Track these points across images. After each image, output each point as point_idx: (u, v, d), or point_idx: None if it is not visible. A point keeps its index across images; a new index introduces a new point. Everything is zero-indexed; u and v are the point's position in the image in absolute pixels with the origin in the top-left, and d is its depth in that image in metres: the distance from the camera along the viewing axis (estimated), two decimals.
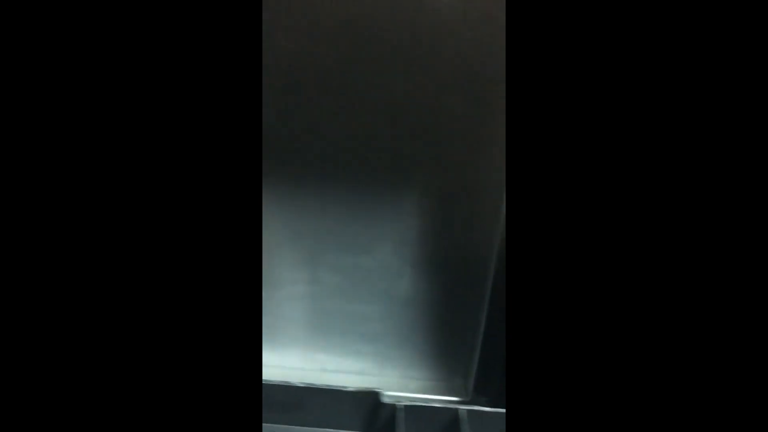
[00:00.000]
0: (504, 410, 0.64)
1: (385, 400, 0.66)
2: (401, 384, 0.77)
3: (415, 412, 0.65)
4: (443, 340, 0.77)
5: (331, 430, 0.65)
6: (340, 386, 0.68)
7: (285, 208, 0.72)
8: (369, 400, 0.66)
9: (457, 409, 0.65)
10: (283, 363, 0.78)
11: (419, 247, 0.72)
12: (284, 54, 0.64)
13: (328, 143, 0.68)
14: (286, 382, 0.67)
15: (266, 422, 0.63)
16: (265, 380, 0.66)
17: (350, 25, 0.63)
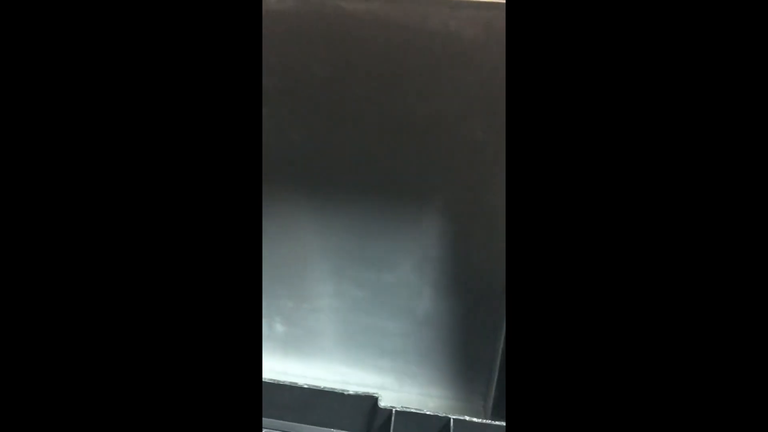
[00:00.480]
0: (490, 422, 0.66)
1: (383, 404, 0.69)
2: (420, 401, 0.79)
3: (409, 417, 0.68)
4: (463, 360, 0.77)
5: (333, 430, 0.67)
6: (341, 389, 0.71)
7: (313, 223, 0.75)
8: (368, 403, 0.69)
9: (448, 418, 0.67)
10: (306, 373, 0.81)
11: (439, 266, 0.74)
12: (317, 79, 0.69)
13: (354, 163, 0.72)
14: (292, 382, 0.70)
15: (273, 418, 0.66)
16: (274, 380, 0.69)
17: (378, 54, 0.67)
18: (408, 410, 0.67)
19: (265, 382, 0.69)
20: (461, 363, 0.77)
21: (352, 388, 0.74)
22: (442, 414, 0.67)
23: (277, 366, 0.81)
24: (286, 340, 0.80)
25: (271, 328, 0.80)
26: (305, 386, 0.71)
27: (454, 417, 0.66)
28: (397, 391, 0.79)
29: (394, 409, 0.67)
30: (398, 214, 0.73)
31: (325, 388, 0.71)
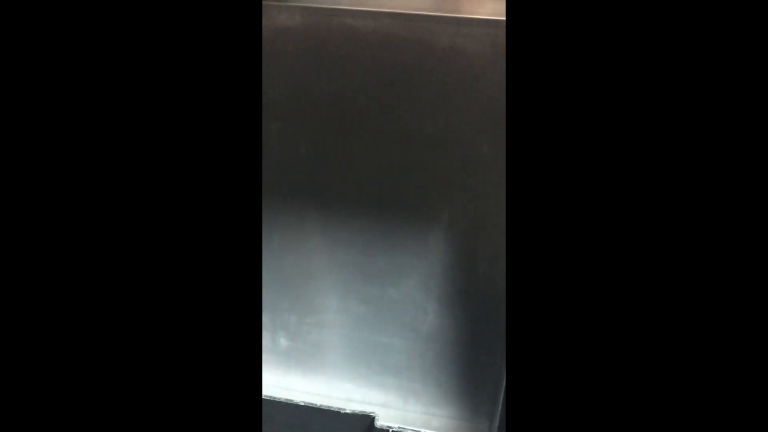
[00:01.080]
0: None
1: (379, 423, 0.68)
2: (424, 421, 0.77)
3: None
4: (467, 378, 0.76)
5: None
6: (338, 408, 0.69)
7: (318, 238, 0.75)
8: (365, 422, 0.67)
9: None
10: (309, 389, 0.80)
11: (445, 282, 0.73)
12: (325, 95, 0.70)
13: (360, 179, 0.72)
14: (289, 400, 0.70)
15: None
16: (270, 397, 0.68)
17: (385, 70, 0.68)
18: (405, 430, 0.66)
19: (263, 400, 0.69)
20: (466, 381, 0.76)
21: (350, 407, 0.73)
22: None
23: (280, 381, 0.80)
24: (289, 354, 0.79)
25: (275, 342, 0.80)
26: (302, 404, 0.70)
27: None
28: (401, 409, 0.78)
29: (390, 429, 0.66)
30: (404, 230, 0.73)
31: (321, 406, 0.70)
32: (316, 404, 0.70)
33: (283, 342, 0.80)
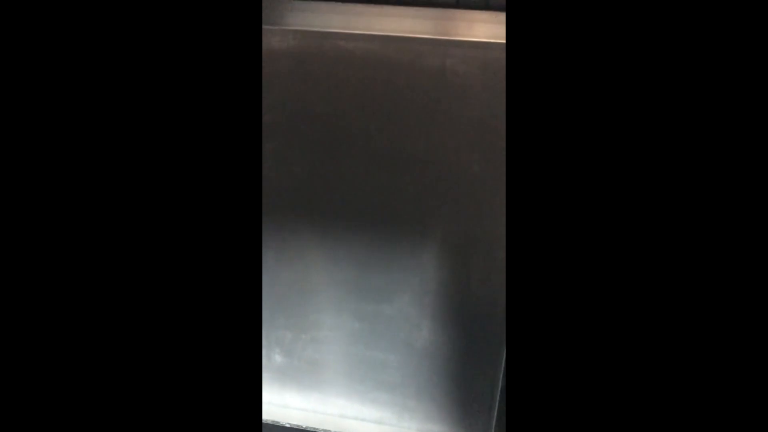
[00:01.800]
0: None
1: None
2: None
3: None
4: (462, 394, 0.76)
5: None
6: (326, 430, 0.70)
7: (312, 255, 0.76)
8: None
9: None
10: (306, 406, 0.80)
11: (438, 299, 0.74)
12: (318, 115, 0.71)
13: (354, 197, 0.73)
14: (275, 422, 0.70)
15: None
16: (272, 422, 0.68)
17: (377, 91, 0.69)
18: None
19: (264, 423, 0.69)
20: (460, 397, 0.76)
21: (342, 426, 0.73)
22: None
23: (275, 398, 0.81)
24: (284, 371, 0.80)
25: (270, 358, 0.80)
26: (287, 426, 0.70)
27: None
28: (396, 426, 0.78)
29: None
30: (397, 247, 0.74)
31: (307, 428, 0.70)
32: (302, 426, 0.70)
33: (278, 358, 0.80)
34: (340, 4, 0.66)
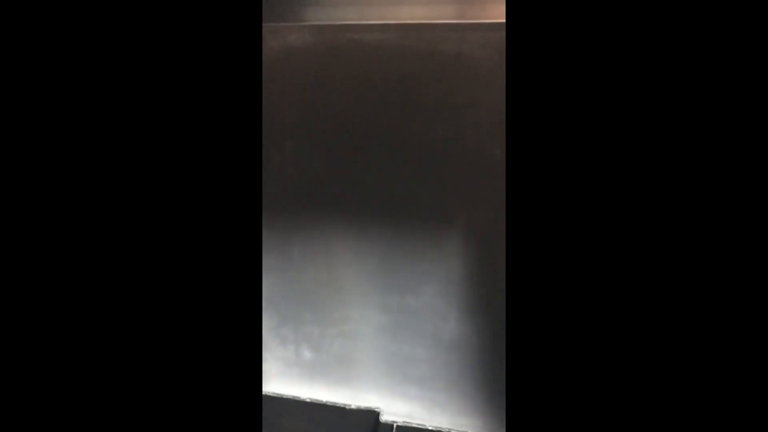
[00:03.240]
0: None
1: (384, 419, 0.70)
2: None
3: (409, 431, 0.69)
4: (493, 388, 0.74)
5: None
6: (343, 404, 0.71)
7: (336, 250, 0.76)
8: (370, 418, 0.70)
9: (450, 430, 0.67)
10: (336, 401, 0.80)
11: (464, 289, 0.72)
12: (336, 110, 0.71)
13: (375, 189, 0.73)
14: (296, 396, 0.70)
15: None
16: (276, 394, 0.70)
17: (394, 81, 0.69)
18: (409, 425, 0.67)
19: (268, 396, 0.70)
20: (491, 390, 0.74)
21: (355, 404, 0.73)
22: (444, 428, 0.68)
23: (306, 393, 0.81)
24: (313, 366, 0.80)
25: (299, 354, 0.80)
26: (308, 400, 0.71)
27: (454, 430, 0.66)
28: (427, 420, 0.77)
29: (395, 424, 0.66)
30: (420, 238, 0.73)
31: (327, 402, 0.71)
32: (321, 400, 0.71)
33: (307, 354, 0.80)
34: None
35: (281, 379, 0.81)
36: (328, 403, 0.70)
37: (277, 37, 0.71)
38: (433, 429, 0.65)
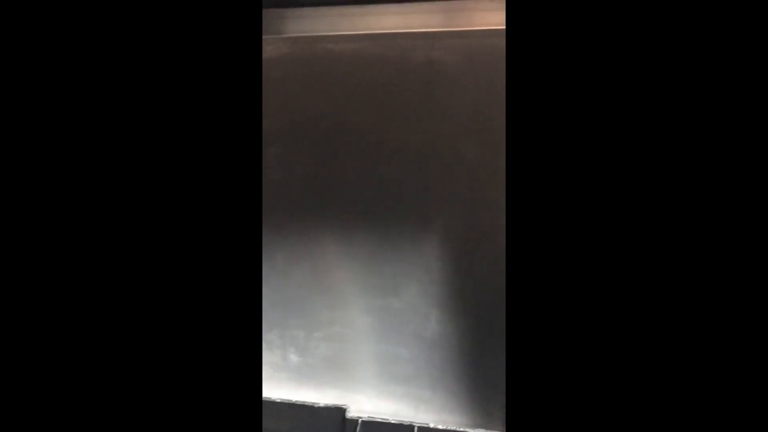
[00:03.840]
0: (455, 429, 0.70)
1: (350, 415, 0.74)
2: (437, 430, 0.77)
3: (374, 426, 0.73)
4: (477, 384, 0.76)
5: None
6: (312, 402, 0.75)
7: (318, 254, 0.78)
8: (338, 415, 0.73)
9: (413, 425, 0.72)
10: (324, 402, 0.81)
11: (445, 288, 0.74)
12: (315, 117, 0.73)
13: (355, 193, 0.75)
14: (267, 397, 0.74)
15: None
16: (267, 397, 0.73)
17: (368, 89, 0.71)
18: (373, 419, 0.70)
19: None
20: (476, 386, 0.76)
21: (323, 401, 0.77)
22: (406, 422, 0.71)
23: (295, 396, 0.82)
24: (300, 370, 0.82)
25: (286, 358, 0.82)
26: (278, 400, 0.74)
27: (418, 424, 0.71)
28: (413, 418, 0.79)
29: (360, 419, 0.69)
30: (401, 240, 0.75)
31: (296, 401, 0.74)
32: (291, 400, 0.74)
33: (294, 358, 0.82)
34: (325, 8, 0.69)
35: (269, 383, 0.83)
36: (297, 402, 0.72)
37: None
38: (396, 422, 0.68)
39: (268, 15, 0.72)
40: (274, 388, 0.82)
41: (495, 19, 0.64)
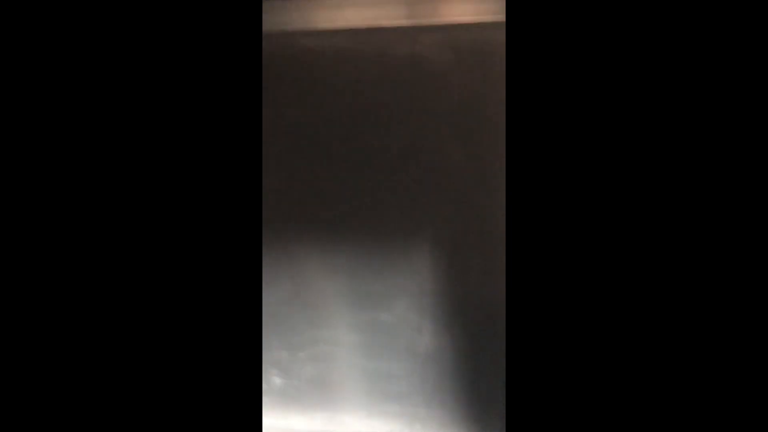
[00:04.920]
0: None
1: None
2: None
3: None
4: (473, 398, 0.73)
5: None
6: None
7: (299, 269, 0.73)
8: None
9: None
10: (312, 427, 0.76)
11: (436, 300, 0.70)
12: (287, 120, 0.67)
13: (336, 204, 0.70)
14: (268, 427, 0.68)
15: None
16: None
17: (346, 88, 0.65)
18: None
19: None
20: (471, 401, 0.73)
21: (311, 428, 0.71)
22: None
23: (279, 422, 0.77)
24: (285, 392, 0.76)
25: (268, 381, 0.76)
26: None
27: None
28: None
29: None
30: (389, 250, 0.70)
31: (282, 429, 0.68)
32: (276, 427, 0.68)
33: (277, 380, 0.76)
34: (298, 0, 0.63)
35: None
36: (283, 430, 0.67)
37: None
38: None
39: None
40: None
41: (485, 11, 0.59)
